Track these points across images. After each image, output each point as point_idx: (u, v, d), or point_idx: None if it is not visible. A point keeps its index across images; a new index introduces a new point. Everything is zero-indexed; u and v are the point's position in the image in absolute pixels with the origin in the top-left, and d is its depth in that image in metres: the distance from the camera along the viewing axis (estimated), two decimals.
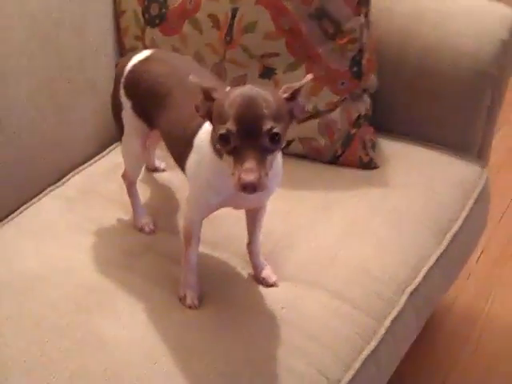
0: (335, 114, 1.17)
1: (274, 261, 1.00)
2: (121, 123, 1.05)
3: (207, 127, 0.87)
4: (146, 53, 1.04)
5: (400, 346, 1.01)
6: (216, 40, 1.17)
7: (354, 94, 1.17)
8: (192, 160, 0.92)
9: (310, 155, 1.21)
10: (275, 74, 1.15)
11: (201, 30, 1.17)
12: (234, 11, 1.13)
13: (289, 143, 1.18)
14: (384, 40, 1.21)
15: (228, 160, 0.79)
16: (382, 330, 0.95)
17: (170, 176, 1.18)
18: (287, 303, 0.94)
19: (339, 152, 1.19)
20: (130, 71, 1.02)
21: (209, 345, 0.88)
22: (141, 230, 1.09)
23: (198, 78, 0.84)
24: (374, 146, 1.20)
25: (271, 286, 0.99)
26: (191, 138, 0.91)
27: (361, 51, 1.13)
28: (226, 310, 0.93)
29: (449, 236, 1.09)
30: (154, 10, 1.22)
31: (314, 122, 1.18)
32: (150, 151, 1.17)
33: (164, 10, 1.21)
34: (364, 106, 1.19)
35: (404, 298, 1.00)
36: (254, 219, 0.98)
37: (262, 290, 0.98)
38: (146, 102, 1.00)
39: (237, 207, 0.95)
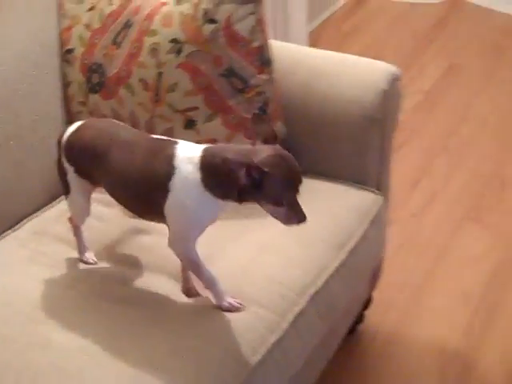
0: None
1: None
2: (66, 185, 1.22)
3: (183, 173, 1.05)
4: (76, 124, 1.22)
5: (304, 340, 1.20)
6: (146, 100, 1.39)
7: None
8: (173, 202, 1.06)
9: None
10: (196, 124, 1.38)
11: (133, 92, 1.40)
12: (160, 75, 1.36)
13: None
14: (290, 94, 1.44)
15: (277, 209, 1.03)
16: (286, 324, 1.16)
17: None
18: (209, 303, 1.14)
19: None
20: (67, 142, 1.20)
21: (139, 339, 1.06)
22: (85, 263, 1.28)
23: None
24: None
25: (239, 310, 1.15)
26: (163, 183, 1.06)
27: (266, 102, 1.37)
28: (158, 313, 1.13)
29: (346, 250, 1.30)
30: (95, 79, 1.45)
31: None
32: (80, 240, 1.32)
33: (103, 79, 1.43)
34: None
35: (306, 298, 1.20)
36: None
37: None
38: (87, 165, 1.18)
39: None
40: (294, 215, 1.04)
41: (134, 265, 1.25)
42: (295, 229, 1.30)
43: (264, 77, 1.35)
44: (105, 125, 1.22)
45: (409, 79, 2.84)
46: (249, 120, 1.34)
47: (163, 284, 1.20)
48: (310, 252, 1.27)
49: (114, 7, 1.41)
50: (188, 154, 1.07)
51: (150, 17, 1.36)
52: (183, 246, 1.11)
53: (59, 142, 1.22)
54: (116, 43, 1.40)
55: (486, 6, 3.39)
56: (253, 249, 1.26)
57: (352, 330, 1.76)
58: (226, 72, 1.33)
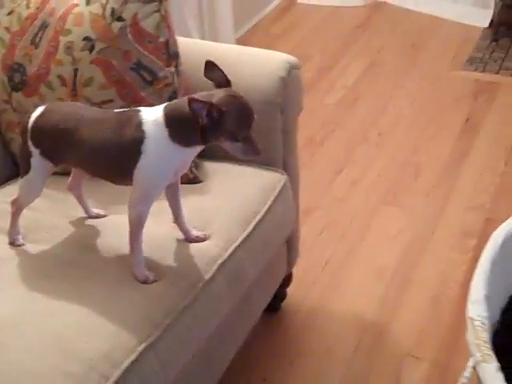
0: None
1: None
2: (27, 166, 1.30)
3: (152, 135, 1.17)
4: (39, 109, 1.30)
5: (215, 305, 1.32)
6: (65, 95, 1.49)
7: None
8: (146, 164, 1.18)
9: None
10: None
11: (53, 88, 1.50)
12: (76, 71, 1.47)
13: None
14: (199, 84, 1.49)
15: (234, 144, 1.16)
16: (196, 290, 1.26)
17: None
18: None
19: (192, 176, 1.51)
20: (33, 126, 1.28)
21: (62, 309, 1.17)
22: (12, 243, 1.37)
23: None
24: (197, 166, 1.53)
25: (204, 240, 1.33)
26: (136, 148, 1.18)
27: (174, 92, 1.48)
28: (84, 286, 1.23)
29: (253, 223, 1.42)
30: (17, 78, 1.54)
31: None
32: (83, 203, 1.43)
33: (24, 77, 1.53)
34: None
35: (214, 267, 1.31)
36: (174, 195, 1.31)
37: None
38: (54, 146, 1.27)
39: (174, 180, 1.26)
40: (249, 149, 1.18)
41: (64, 244, 1.35)
42: (207, 206, 1.44)
43: (172, 69, 1.47)
44: (68, 107, 1.33)
45: (333, 76, 3.02)
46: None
47: (89, 258, 1.30)
48: (218, 227, 1.38)
49: (32, 10, 1.51)
50: (152, 117, 1.19)
51: (63, 17, 1.47)
52: (144, 207, 1.22)
53: (24, 126, 1.30)
54: (34, 43, 1.50)
55: (405, 7, 3.59)
56: (168, 226, 1.37)
57: (276, 308, 1.90)
58: (136, 66, 1.45)
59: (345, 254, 2.08)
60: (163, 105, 1.21)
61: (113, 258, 1.32)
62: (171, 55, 1.48)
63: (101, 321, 1.16)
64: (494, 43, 3.19)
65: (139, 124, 1.19)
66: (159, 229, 1.35)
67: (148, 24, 1.44)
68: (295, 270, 1.93)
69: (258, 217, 1.44)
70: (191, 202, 1.43)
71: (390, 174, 2.41)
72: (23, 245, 1.36)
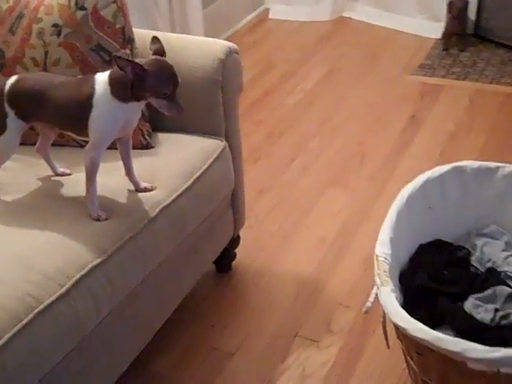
0: None
1: None
2: (4, 126, 1.54)
3: (99, 90, 1.44)
4: (14, 77, 1.57)
5: (158, 240, 1.57)
6: None
7: None
8: (95, 115, 1.44)
9: None
10: None
11: (27, 69, 1.77)
12: (46, 53, 1.74)
13: None
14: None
15: (159, 101, 1.42)
16: (141, 225, 1.52)
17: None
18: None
19: (145, 142, 1.78)
20: (10, 90, 1.54)
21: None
22: None
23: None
24: (149, 134, 1.80)
25: (151, 191, 1.60)
26: (88, 102, 1.44)
27: None
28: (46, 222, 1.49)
29: (194, 178, 1.69)
30: None
31: None
32: (50, 163, 1.69)
33: (3, 60, 1.79)
34: None
35: (157, 210, 1.57)
36: (126, 150, 1.57)
37: None
38: (27, 107, 1.53)
39: (121, 134, 1.53)
40: (173, 106, 1.44)
41: (31, 194, 1.61)
42: (157, 165, 1.71)
43: (127, 51, 1.75)
44: (39, 75, 1.63)
45: (294, 81, 3.31)
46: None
47: (51, 203, 1.56)
48: (163, 179, 1.65)
49: (11, 3, 1.79)
50: (102, 77, 1.47)
51: (36, 8, 1.75)
52: (95, 153, 1.49)
53: (0, 92, 1.55)
54: (12, 31, 1.77)
55: (367, 21, 3.90)
56: (120, 179, 1.64)
57: (227, 269, 2.15)
58: (96, 48, 1.73)
59: (291, 227, 2.34)
60: (110, 70, 1.49)
61: (72, 203, 1.58)
62: (126, 39, 1.76)
63: (58, 245, 1.42)
64: (444, 52, 3.49)
65: (92, 83, 1.47)
66: (112, 180, 1.62)
67: (106, 13, 1.72)
68: (246, 239, 2.20)
69: (199, 172, 1.71)
70: (142, 162, 1.70)
71: (338, 162, 2.68)
72: None
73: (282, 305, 2.03)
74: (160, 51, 1.48)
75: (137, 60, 1.44)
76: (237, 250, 2.16)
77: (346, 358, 1.85)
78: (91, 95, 1.46)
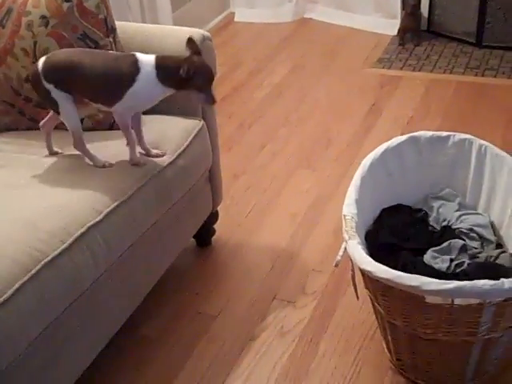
0: None
1: None
2: (53, 102, 1.71)
3: (145, 70, 1.67)
4: (43, 58, 1.72)
5: (147, 204, 1.74)
6: (28, 63, 1.91)
7: None
8: (135, 89, 1.67)
9: (95, 126, 1.95)
10: None
11: (18, 59, 1.92)
12: (35, 43, 1.90)
13: (81, 121, 1.92)
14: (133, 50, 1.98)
15: (199, 94, 1.71)
16: (131, 191, 1.68)
17: None
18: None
19: (112, 121, 1.94)
20: (44, 66, 1.70)
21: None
22: None
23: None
24: None
25: (162, 156, 1.82)
26: (132, 78, 1.66)
27: None
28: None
29: (177, 153, 1.86)
30: None
31: (94, 104, 1.93)
32: (49, 140, 1.84)
33: None
34: None
35: (145, 179, 1.74)
36: (138, 122, 1.79)
37: None
38: (65, 78, 1.69)
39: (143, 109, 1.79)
40: (210, 98, 1.73)
41: (30, 167, 1.77)
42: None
43: (110, 39, 1.92)
44: (71, 51, 1.79)
45: (262, 77, 3.50)
46: None
47: (47, 175, 1.73)
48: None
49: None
50: (145, 59, 1.69)
51: (24, 3, 1.91)
52: (126, 116, 1.74)
53: (35, 70, 1.71)
54: (1, 25, 1.92)
55: (327, 21, 4.12)
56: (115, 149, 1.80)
57: (207, 243, 2.31)
58: (82, 36, 1.89)
59: (264, 205, 2.52)
60: (153, 55, 1.71)
61: (67, 174, 1.74)
62: (109, 29, 1.92)
63: (59, 208, 1.57)
64: (400, 47, 3.72)
65: (135, 61, 1.69)
66: (108, 153, 1.80)
67: (90, 4, 1.89)
68: (224, 217, 2.36)
69: (181, 148, 1.88)
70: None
71: (306, 147, 2.87)
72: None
73: (260, 273, 2.20)
74: (197, 51, 1.72)
75: (186, 59, 1.68)
76: (216, 227, 2.33)
77: (320, 316, 2.02)
78: (135, 72, 1.67)
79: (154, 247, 1.86)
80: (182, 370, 1.86)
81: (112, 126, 1.94)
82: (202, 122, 2.01)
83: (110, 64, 1.70)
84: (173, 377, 1.84)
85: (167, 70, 1.68)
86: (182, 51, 1.94)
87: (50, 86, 1.70)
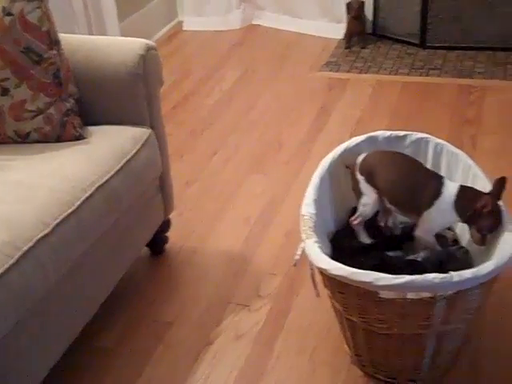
0: (51, 110, 1.92)
1: None
2: (359, 190, 1.92)
3: (446, 198, 1.75)
4: (364, 154, 1.93)
5: (96, 212, 1.74)
6: None
7: (62, 97, 1.94)
8: (433, 210, 1.76)
9: (42, 139, 1.95)
10: (10, 91, 1.89)
11: None
12: None
13: (28, 134, 1.92)
14: (77, 64, 1.99)
15: (475, 232, 1.73)
16: (79, 202, 1.69)
17: None
18: None
19: (59, 133, 1.94)
20: (361, 162, 1.91)
21: None
22: None
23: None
24: (81, 126, 1.97)
25: None
26: (433, 200, 1.76)
27: (58, 70, 1.92)
28: None
29: (124, 160, 1.87)
30: None
31: (40, 117, 1.93)
32: None
33: None
34: (69, 104, 1.96)
35: (93, 188, 1.74)
36: None
37: None
38: (372, 176, 1.88)
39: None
40: (480, 241, 1.74)
41: None
42: (90, 152, 1.87)
43: (54, 52, 1.91)
44: (381, 154, 1.95)
45: (212, 84, 3.53)
46: (47, 84, 1.90)
47: None
48: (97, 162, 1.82)
49: None
50: (451, 187, 1.77)
51: None
52: (426, 234, 1.83)
53: (353, 164, 1.93)
54: None
55: (275, 27, 4.17)
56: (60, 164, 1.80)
57: (161, 251, 2.32)
58: (25, 49, 1.87)
59: (217, 211, 2.54)
60: (458, 184, 1.78)
61: (11, 188, 1.72)
62: (53, 41, 1.92)
63: (5, 223, 1.56)
64: (347, 50, 3.79)
65: (440, 186, 1.78)
66: (52, 166, 1.79)
67: (32, 17, 1.88)
68: (177, 225, 2.38)
69: (129, 156, 1.90)
70: (77, 151, 1.87)
71: (257, 151, 2.91)
72: None
73: (215, 278, 2.22)
74: (499, 194, 1.72)
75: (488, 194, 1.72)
76: (169, 235, 2.34)
77: (275, 318, 2.05)
78: (436, 196, 1.76)
79: (106, 257, 1.87)
80: (140, 377, 1.87)
81: (59, 139, 1.94)
82: (150, 130, 2.02)
83: (415, 180, 1.82)
84: None
85: (467, 203, 1.72)
86: (127, 61, 1.98)
87: (360, 178, 1.91)
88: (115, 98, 2.01)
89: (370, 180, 1.89)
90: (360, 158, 1.93)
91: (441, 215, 1.78)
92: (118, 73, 1.97)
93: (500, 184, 1.72)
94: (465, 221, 1.76)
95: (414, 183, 1.82)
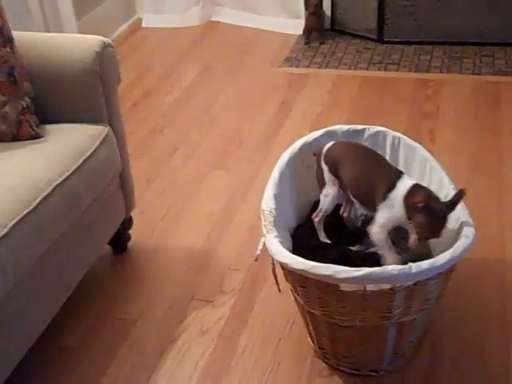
0: (7, 109, 1.89)
1: None
2: (323, 180, 1.92)
3: (397, 192, 1.74)
4: (330, 143, 1.94)
5: (58, 208, 1.73)
6: None
7: (17, 96, 1.91)
8: (386, 204, 1.75)
9: None
10: None
11: None
12: None
13: None
14: (32, 62, 1.95)
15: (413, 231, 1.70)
16: (37, 202, 1.67)
17: None
18: None
19: (15, 132, 1.91)
20: (325, 153, 1.92)
21: None
22: None
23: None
24: (37, 125, 1.94)
25: None
26: (386, 194, 1.75)
27: (12, 68, 1.88)
28: None
29: (83, 159, 1.85)
30: None
31: None
32: None
33: None
34: (25, 102, 1.93)
35: (51, 187, 1.72)
36: None
37: None
38: (334, 167, 1.88)
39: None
40: (415, 244, 1.72)
41: None
42: (46, 149, 1.85)
43: (7, 50, 1.88)
44: (346, 145, 1.95)
45: (171, 81, 3.51)
46: (1, 82, 1.87)
47: None
48: (55, 161, 1.80)
49: None
50: (406, 183, 1.76)
51: None
52: (376, 229, 1.80)
53: (319, 152, 1.94)
54: None
55: (234, 23, 4.17)
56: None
57: (124, 249, 2.31)
58: None
59: (179, 208, 2.53)
60: (415, 182, 1.77)
61: None
62: (6, 39, 1.89)
63: None
64: (306, 46, 3.81)
65: (396, 180, 1.77)
66: (8, 165, 1.77)
67: None
68: (139, 223, 2.37)
69: (87, 154, 1.88)
70: (34, 149, 1.85)
71: (218, 147, 2.91)
72: None
73: (178, 274, 2.21)
74: (453, 204, 1.70)
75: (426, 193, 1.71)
76: (131, 232, 2.33)
77: (238, 313, 2.05)
78: (390, 190, 1.76)
79: (67, 256, 1.85)
80: (105, 376, 1.86)
81: (14, 138, 1.92)
82: (108, 128, 2.00)
83: (371, 171, 1.84)
84: None
85: (414, 198, 1.69)
86: (83, 59, 1.96)
87: (324, 167, 1.92)
88: (72, 96, 1.99)
89: (334, 171, 1.90)
90: (326, 147, 1.94)
91: (391, 209, 1.77)
92: (75, 70, 1.95)
93: (459, 195, 1.73)
94: (409, 217, 1.74)
95: (373, 177, 1.83)
